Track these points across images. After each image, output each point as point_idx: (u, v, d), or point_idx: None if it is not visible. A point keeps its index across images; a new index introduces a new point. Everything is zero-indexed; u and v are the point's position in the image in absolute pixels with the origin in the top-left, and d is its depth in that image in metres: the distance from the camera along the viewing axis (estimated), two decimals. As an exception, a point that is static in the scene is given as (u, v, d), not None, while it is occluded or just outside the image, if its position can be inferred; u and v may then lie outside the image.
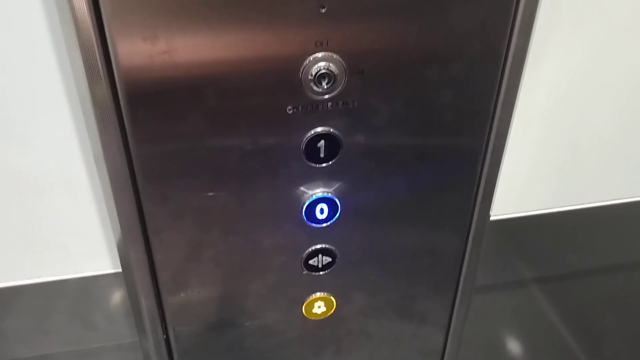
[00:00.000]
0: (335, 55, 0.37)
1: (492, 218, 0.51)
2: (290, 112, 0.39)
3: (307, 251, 0.47)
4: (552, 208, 0.64)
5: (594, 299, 0.78)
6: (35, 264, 0.49)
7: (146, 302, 0.46)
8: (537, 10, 0.38)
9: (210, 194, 0.41)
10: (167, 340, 0.50)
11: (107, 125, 0.37)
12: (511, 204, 0.63)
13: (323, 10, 0.35)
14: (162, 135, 0.38)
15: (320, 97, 0.38)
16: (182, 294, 0.47)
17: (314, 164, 0.42)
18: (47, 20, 0.40)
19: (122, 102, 0.36)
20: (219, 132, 0.39)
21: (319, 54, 0.36)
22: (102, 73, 0.35)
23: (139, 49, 0.34)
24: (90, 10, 0.32)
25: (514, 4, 0.38)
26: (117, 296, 0.52)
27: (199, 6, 0.33)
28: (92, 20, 0.33)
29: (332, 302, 0.51)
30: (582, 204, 0.65)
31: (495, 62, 0.40)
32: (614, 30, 0.53)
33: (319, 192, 0.43)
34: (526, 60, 0.40)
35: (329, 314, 0.52)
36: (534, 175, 0.62)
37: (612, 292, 0.78)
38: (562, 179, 0.63)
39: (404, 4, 0.36)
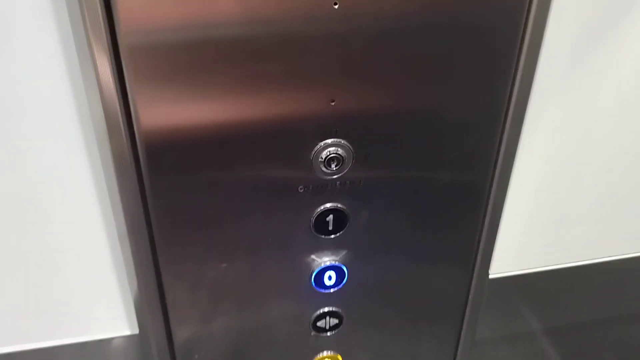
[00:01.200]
0: (343, 141, 0.40)
1: (491, 277, 0.53)
2: (302, 190, 0.41)
3: (316, 314, 0.49)
4: (550, 266, 0.66)
5: (597, 350, 0.79)
6: (46, 327, 0.50)
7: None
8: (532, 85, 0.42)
9: (224, 265, 0.44)
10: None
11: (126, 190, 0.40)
12: (509, 261, 0.65)
13: (333, 104, 0.38)
14: (181, 216, 0.41)
15: (329, 177, 0.41)
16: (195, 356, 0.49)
17: (323, 236, 0.44)
18: (70, 78, 0.41)
19: (147, 192, 0.39)
20: (234, 208, 0.41)
21: (329, 140, 0.39)
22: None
23: (160, 114, 0.36)
24: (114, 77, 0.35)
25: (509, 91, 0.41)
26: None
27: (219, 92, 0.36)
28: (116, 84, 0.35)
29: (339, 361, 0.53)
30: (580, 261, 0.67)
31: (489, 154, 0.43)
32: (599, 114, 0.54)
33: (327, 260, 0.46)
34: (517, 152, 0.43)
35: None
36: (530, 231, 0.64)
37: (615, 342, 0.79)
38: (559, 233, 0.65)
39: (405, 99, 0.39)
